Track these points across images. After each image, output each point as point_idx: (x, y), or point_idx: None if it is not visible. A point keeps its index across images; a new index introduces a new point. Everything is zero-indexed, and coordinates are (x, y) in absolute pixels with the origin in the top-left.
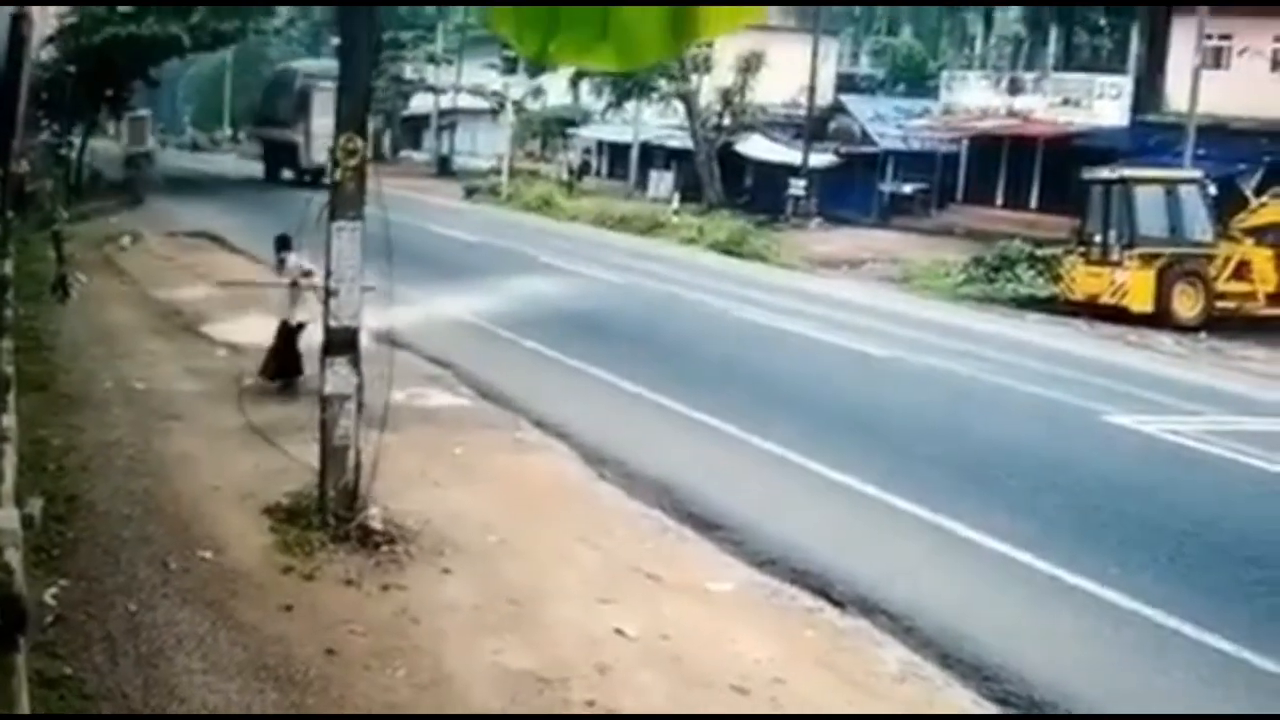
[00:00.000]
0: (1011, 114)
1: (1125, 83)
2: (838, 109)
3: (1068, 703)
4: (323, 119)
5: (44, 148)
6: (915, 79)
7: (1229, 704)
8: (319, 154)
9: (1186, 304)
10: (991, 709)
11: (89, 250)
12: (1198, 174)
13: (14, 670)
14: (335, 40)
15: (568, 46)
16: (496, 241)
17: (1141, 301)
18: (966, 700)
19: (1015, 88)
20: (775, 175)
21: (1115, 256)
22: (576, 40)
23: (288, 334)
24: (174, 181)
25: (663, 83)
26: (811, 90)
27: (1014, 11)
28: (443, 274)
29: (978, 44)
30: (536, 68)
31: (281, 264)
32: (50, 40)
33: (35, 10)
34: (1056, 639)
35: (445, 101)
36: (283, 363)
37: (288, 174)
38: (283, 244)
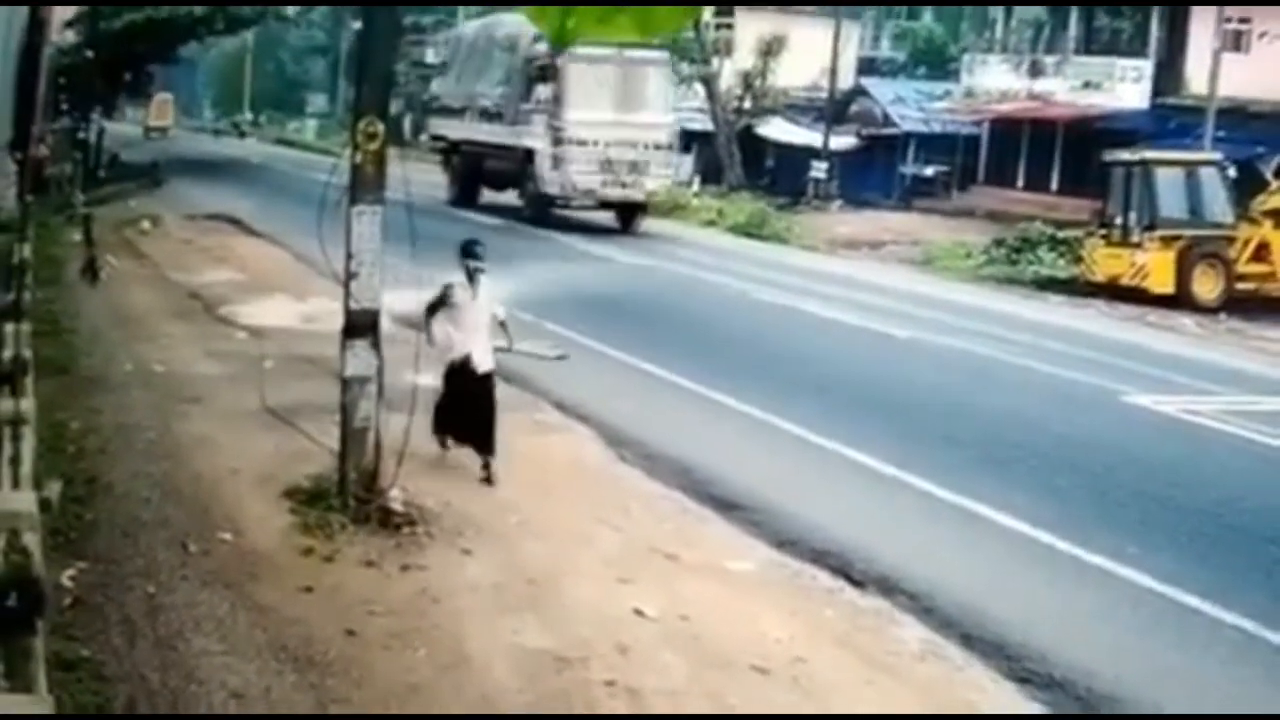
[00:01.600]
0: (1032, 97)
1: (1146, 66)
2: (859, 92)
3: (1088, 680)
4: (589, 109)
5: (63, 132)
6: (936, 62)
7: (1247, 682)
8: (581, 172)
9: (1206, 285)
10: (1011, 688)
11: (108, 233)
12: (1217, 156)
13: (32, 653)
14: (356, 24)
15: (586, 19)
16: (518, 225)
17: (1162, 283)
18: (986, 679)
19: (1036, 71)
20: (796, 158)
21: (1136, 238)
22: (595, 13)
23: (470, 379)
24: (194, 165)
25: (684, 66)
26: (833, 73)
27: None
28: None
29: (998, 27)
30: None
31: (472, 277)
32: (69, 24)
33: None
34: (1076, 618)
35: None
36: (460, 419)
37: (503, 200)
38: (470, 252)
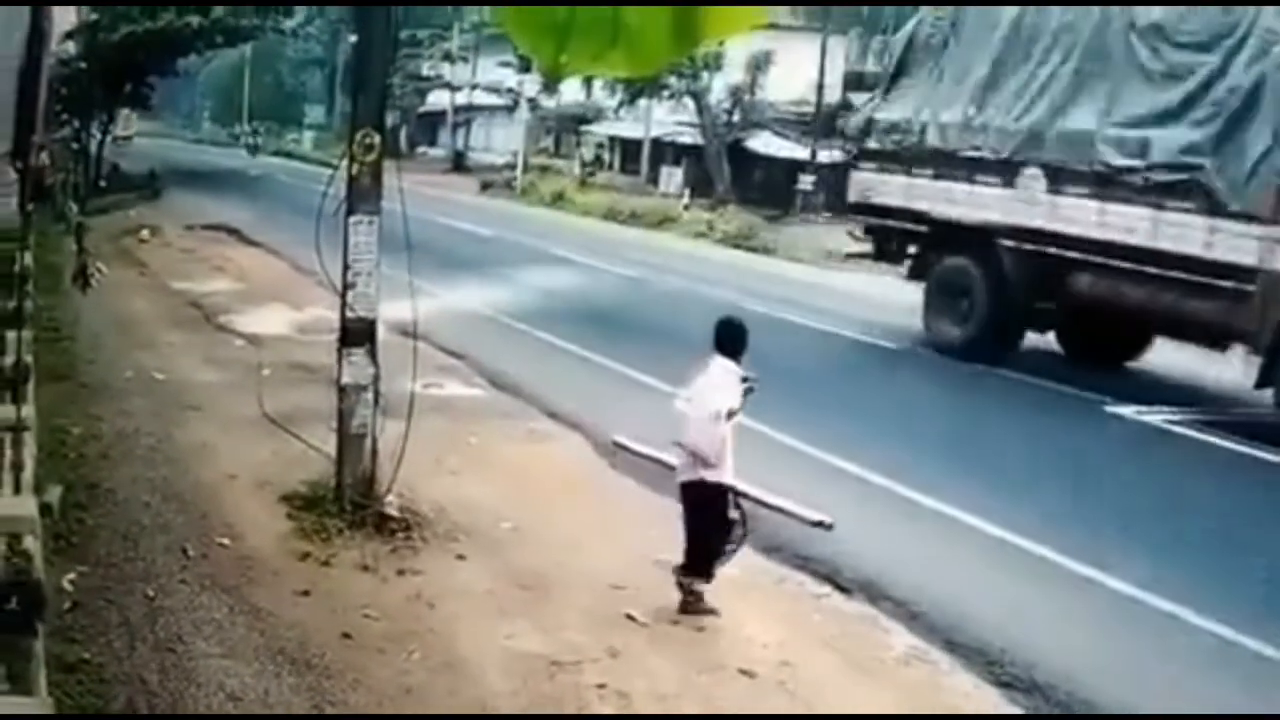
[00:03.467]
0: None
1: None
2: (846, 106)
3: (1069, 684)
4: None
5: (64, 142)
6: None
7: (1228, 688)
8: None
9: None
10: (993, 692)
11: (108, 243)
12: None
13: (33, 655)
14: (353, 38)
15: (580, 55)
16: (510, 235)
17: None
18: (969, 684)
19: None
20: (784, 171)
21: None
22: (588, 49)
23: (712, 496)
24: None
25: (674, 80)
26: (820, 88)
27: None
28: (458, 267)
29: None
30: (553, 78)
31: (747, 390)
32: (70, 35)
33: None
34: (1059, 624)
35: (461, 98)
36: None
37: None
38: (734, 336)
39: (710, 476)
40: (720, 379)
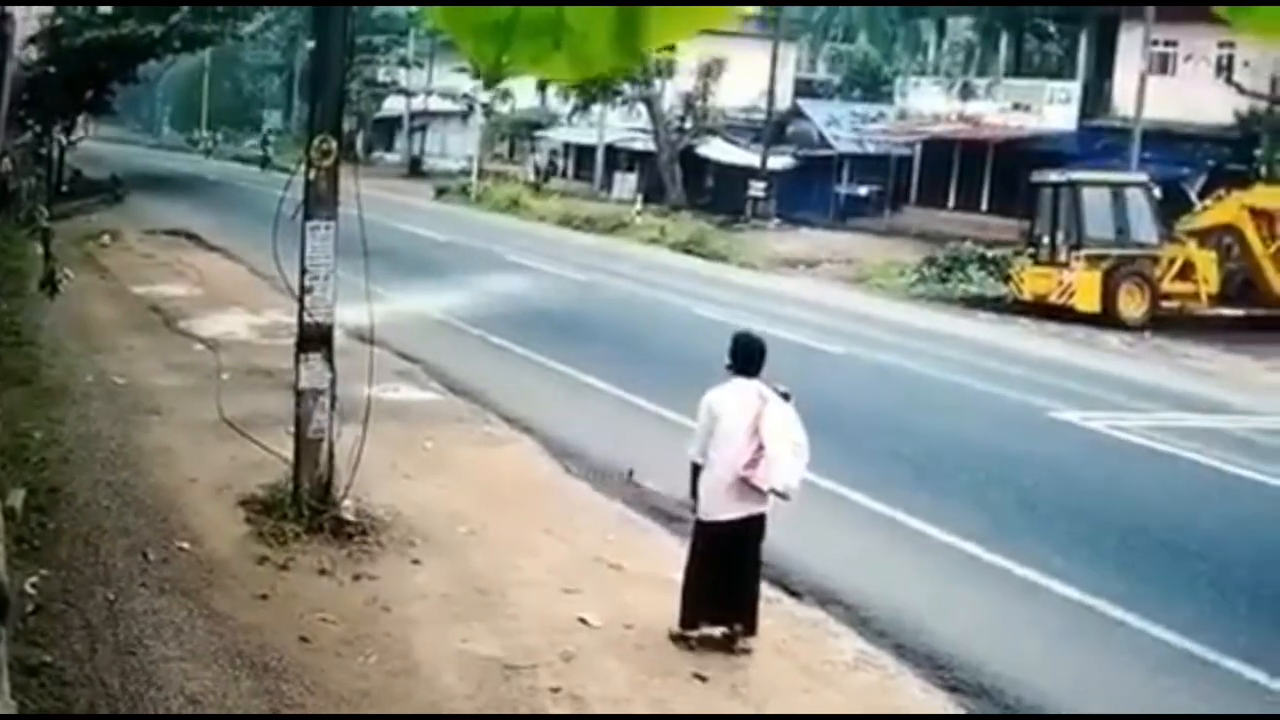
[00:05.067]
0: (963, 119)
1: (1074, 88)
2: (796, 113)
3: (1015, 688)
4: None
5: (26, 147)
6: (870, 84)
7: (1174, 691)
8: None
9: (1132, 304)
10: (942, 696)
11: (70, 247)
12: (1142, 177)
13: None
14: (310, 44)
15: (521, 56)
16: (465, 240)
17: (1088, 301)
18: (917, 688)
19: (967, 93)
20: (735, 177)
21: (1063, 257)
22: (529, 51)
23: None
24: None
25: (627, 87)
26: (770, 95)
27: (966, 19)
28: (413, 272)
29: (931, 51)
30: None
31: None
32: (32, 40)
33: (18, 11)
34: (1005, 629)
35: (417, 104)
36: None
37: None
38: (755, 355)
39: (765, 509)
40: (783, 411)
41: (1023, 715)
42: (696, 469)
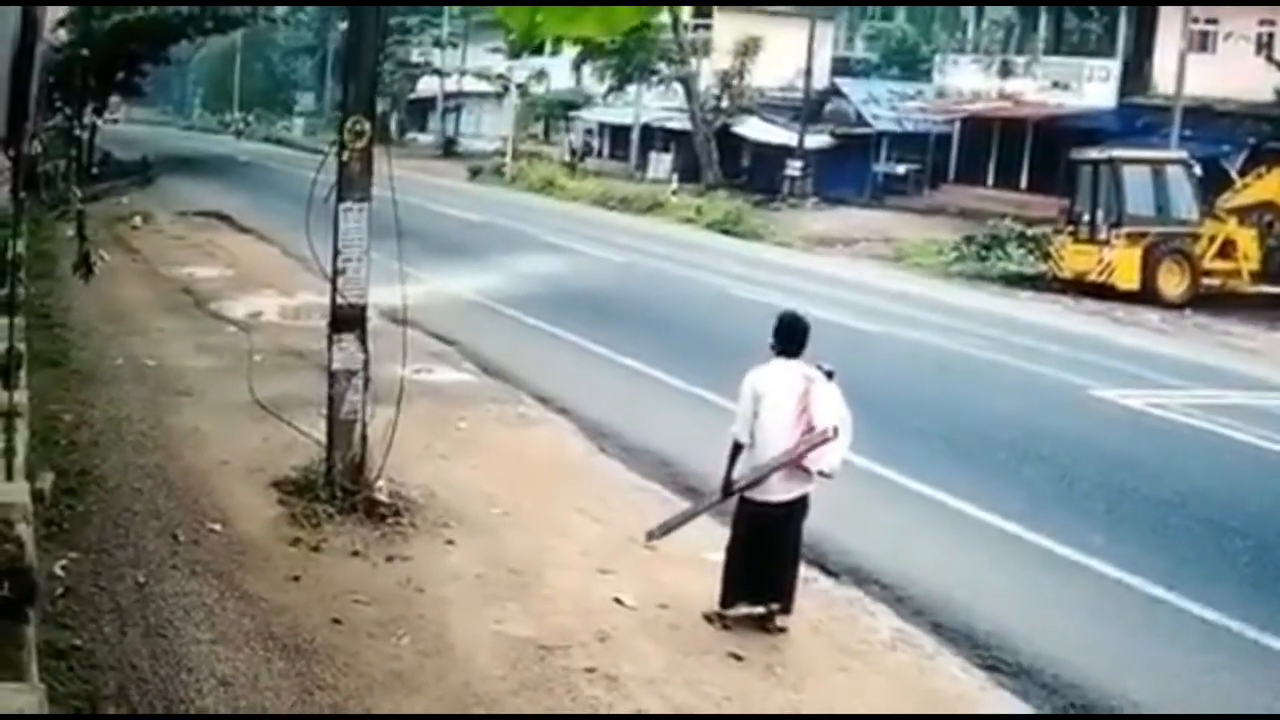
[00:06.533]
0: (1002, 96)
1: (1114, 66)
2: (833, 92)
3: (1054, 667)
4: None
5: (56, 129)
6: (909, 62)
7: (1213, 671)
8: None
9: (1172, 281)
10: (980, 675)
11: (100, 229)
12: (1183, 155)
13: (24, 642)
14: (343, 25)
15: (554, 18)
16: (500, 221)
17: (1128, 279)
18: (955, 667)
19: (1006, 71)
20: (772, 156)
21: (1103, 235)
22: (562, 11)
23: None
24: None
25: (663, 66)
26: (808, 73)
27: None
28: (448, 253)
29: (970, 28)
30: (532, 49)
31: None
32: (62, 23)
33: None
34: (1044, 607)
35: (450, 85)
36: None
37: None
38: (799, 335)
39: (810, 489)
40: (829, 391)
41: (1074, 716)
42: (737, 449)
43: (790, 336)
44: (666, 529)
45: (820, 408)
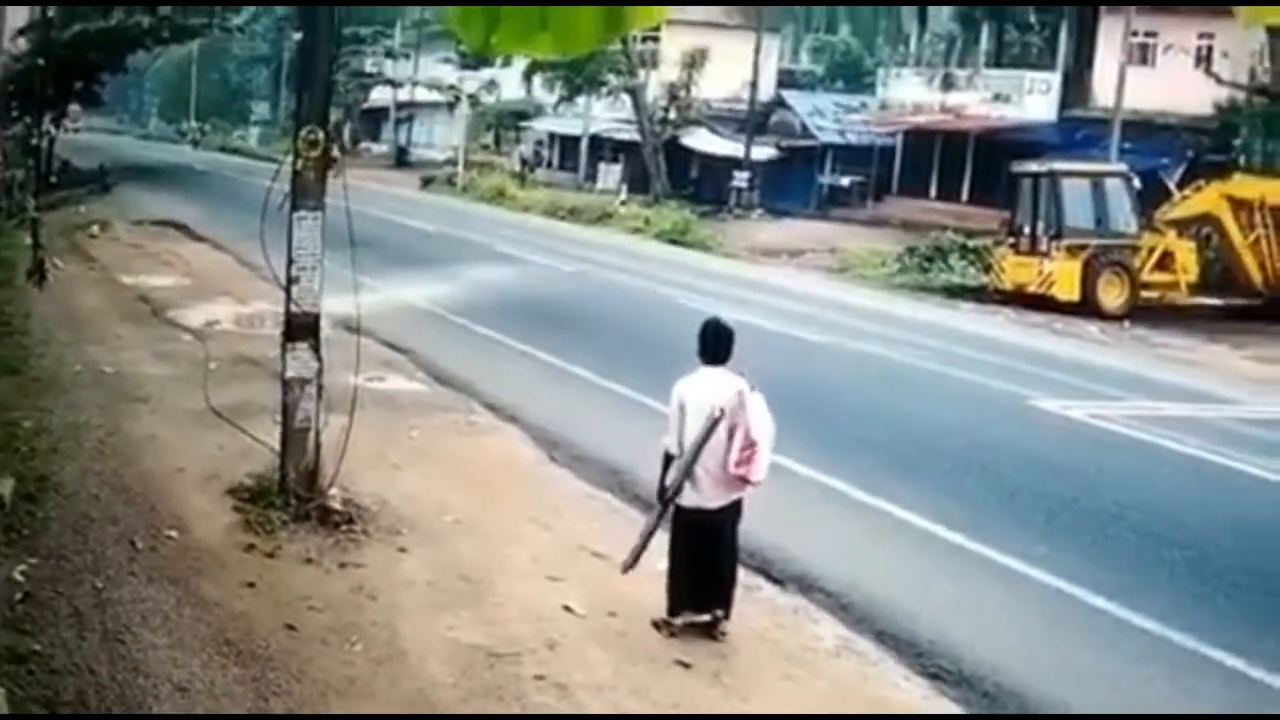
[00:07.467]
0: (945, 109)
1: (1054, 79)
2: (779, 104)
3: (995, 675)
4: None
5: (15, 138)
6: (853, 75)
7: (1153, 680)
8: None
9: (1111, 293)
10: (922, 684)
11: (58, 237)
12: (1123, 168)
13: None
14: (297, 35)
15: (509, 36)
16: (452, 231)
17: (1068, 291)
18: (898, 675)
19: (948, 84)
20: (719, 168)
21: (1043, 247)
22: (517, 31)
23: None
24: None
25: (611, 77)
26: (754, 86)
27: (947, 10)
28: (400, 262)
29: (912, 42)
30: (483, 60)
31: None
32: (21, 32)
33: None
34: (986, 616)
35: (403, 95)
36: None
37: None
38: (725, 343)
39: (743, 494)
40: (760, 403)
41: (1019, 716)
42: (669, 459)
43: (715, 344)
44: (635, 556)
45: (758, 423)
